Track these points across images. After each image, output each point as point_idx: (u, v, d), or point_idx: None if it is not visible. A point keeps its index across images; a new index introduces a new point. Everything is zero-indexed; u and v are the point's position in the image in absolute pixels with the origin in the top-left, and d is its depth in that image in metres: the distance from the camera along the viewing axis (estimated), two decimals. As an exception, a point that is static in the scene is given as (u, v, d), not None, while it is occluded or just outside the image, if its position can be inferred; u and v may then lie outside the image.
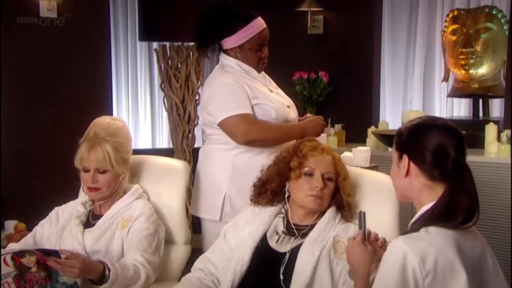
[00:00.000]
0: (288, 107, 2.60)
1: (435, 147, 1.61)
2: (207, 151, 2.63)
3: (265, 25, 2.56)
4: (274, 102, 2.53)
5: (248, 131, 2.44)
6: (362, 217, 1.77)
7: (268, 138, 2.48)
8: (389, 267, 1.52)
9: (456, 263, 1.51)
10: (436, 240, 1.53)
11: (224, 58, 2.59)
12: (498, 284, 1.65)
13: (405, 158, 1.66)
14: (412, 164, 1.65)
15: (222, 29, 2.52)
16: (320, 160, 2.09)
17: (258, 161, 2.41)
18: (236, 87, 2.47)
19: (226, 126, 2.46)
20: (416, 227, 1.57)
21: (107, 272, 2.03)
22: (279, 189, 2.16)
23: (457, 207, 1.56)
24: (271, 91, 2.60)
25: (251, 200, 2.22)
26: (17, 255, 1.98)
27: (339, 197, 2.12)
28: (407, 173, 1.66)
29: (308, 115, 2.73)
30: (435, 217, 1.57)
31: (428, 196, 1.63)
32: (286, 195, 2.15)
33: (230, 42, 2.53)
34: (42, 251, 2.01)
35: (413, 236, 1.54)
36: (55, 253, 1.99)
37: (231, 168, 2.52)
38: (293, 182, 2.11)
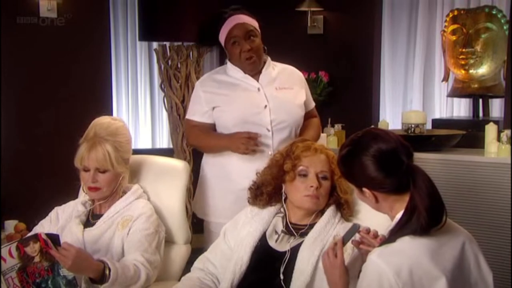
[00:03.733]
0: (266, 107, 2.51)
1: (386, 168, 1.63)
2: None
3: (242, 20, 2.54)
4: (237, 103, 2.51)
5: (187, 135, 2.81)
6: (354, 230, 1.79)
7: (195, 146, 2.74)
8: (367, 283, 1.55)
9: (433, 270, 1.54)
10: (410, 250, 1.56)
11: (227, 63, 2.65)
12: (480, 273, 1.68)
13: (366, 190, 1.69)
14: (376, 193, 1.69)
15: (214, 33, 2.59)
16: (314, 160, 2.09)
17: (250, 163, 2.43)
18: (197, 95, 2.62)
19: None
20: (392, 238, 1.60)
21: (107, 272, 2.02)
22: (276, 192, 2.16)
23: (419, 210, 1.58)
24: (260, 90, 2.55)
25: (248, 202, 2.22)
26: (22, 244, 1.99)
27: (336, 195, 2.11)
28: (376, 200, 1.70)
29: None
30: (404, 226, 1.59)
31: (400, 208, 1.66)
32: (283, 197, 2.14)
33: (222, 42, 2.59)
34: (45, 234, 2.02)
35: (388, 249, 1.57)
36: (56, 237, 2.01)
37: (220, 169, 2.56)
38: (288, 184, 2.10)
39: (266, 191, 2.16)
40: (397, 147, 1.65)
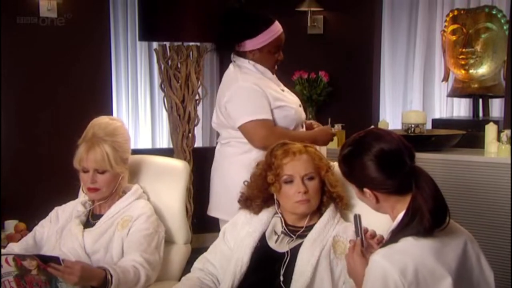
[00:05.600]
0: (300, 106, 2.67)
1: (389, 169, 1.62)
2: (223, 153, 2.66)
3: (282, 29, 2.63)
4: (292, 103, 2.61)
5: (267, 136, 2.47)
6: (357, 221, 1.71)
7: None
8: (372, 284, 1.54)
9: (438, 269, 1.53)
10: (414, 250, 1.55)
11: (239, 60, 2.62)
12: (482, 273, 1.68)
13: (367, 190, 1.68)
14: (377, 193, 1.67)
15: (244, 32, 2.57)
16: (295, 164, 2.05)
17: None
18: (257, 91, 2.51)
19: (245, 130, 2.52)
20: (394, 239, 1.59)
21: (109, 277, 2.01)
22: (266, 200, 2.13)
23: (423, 213, 1.56)
24: (283, 91, 2.66)
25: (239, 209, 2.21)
26: (19, 258, 1.97)
27: (327, 190, 2.09)
28: (377, 201, 1.69)
29: (313, 122, 2.78)
30: (406, 227, 1.58)
31: (401, 209, 1.65)
32: (276, 205, 2.12)
33: (250, 44, 2.57)
34: (42, 258, 1.98)
35: (392, 249, 1.56)
36: (55, 260, 1.97)
37: (246, 171, 2.52)
38: (277, 193, 2.08)
39: (255, 204, 2.14)
40: (399, 148, 1.64)
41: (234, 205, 2.51)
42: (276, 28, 2.59)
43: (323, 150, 2.75)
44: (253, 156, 2.48)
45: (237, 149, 2.58)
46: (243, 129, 2.53)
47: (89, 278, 1.99)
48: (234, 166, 2.57)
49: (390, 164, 1.63)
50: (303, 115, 2.70)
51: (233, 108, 2.55)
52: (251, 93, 2.51)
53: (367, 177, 1.65)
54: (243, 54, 2.60)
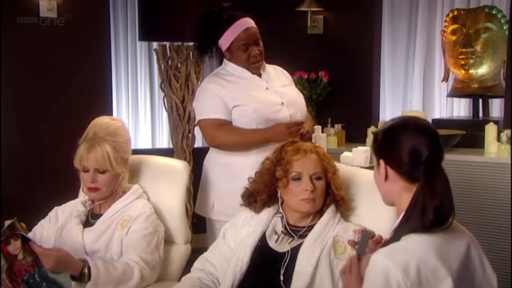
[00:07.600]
0: (282, 104, 2.58)
1: (409, 150, 1.61)
2: (208, 151, 2.71)
3: (250, 24, 2.58)
4: (258, 102, 2.54)
5: (215, 135, 2.56)
6: (366, 237, 1.72)
7: (230, 144, 2.55)
8: (373, 283, 1.52)
9: (440, 269, 1.52)
10: (416, 249, 1.54)
11: (224, 63, 2.67)
12: (484, 275, 1.68)
13: (382, 163, 1.67)
14: (389, 169, 1.66)
15: (213, 35, 2.60)
16: (305, 162, 2.06)
17: (248, 160, 2.44)
18: (214, 93, 2.55)
19: (200, 128, 2.63)
20: (396, 237, 1.58)
21: (85, 270, 2.03)
22: (270, 197, 2.14)
23: (426, 207, 1.56)
24: (268, 89, 2.60)
25: (241, 205, 2.21)
26: (4, 243, 1.99)
27: (331, 192, 2.10)
28: (386, 177, 1.67)
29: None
30: (408, 222, 1.57)
31: (407, 199, 1.63)
32: (280, 202, 2.13)
33: (222, 46, 2.61)
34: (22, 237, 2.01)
35: (393, 248, 1.55)
36: (31, 241, 2.02)
37: (222, 167, 2.57)
38: (283, 190, 2.09)
39: (260, 198, 2.14)
40: (433, 141, 1.64)
41: (209, 201, 2.60)
42: (240, 24, 2.56)
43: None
44: (223, 155, 2.56)
45: (212, 148, 2.65)
46: (199, 127, 2.64)
47: (65, 266, 2.02)
48: (209, 164, 2.65)
49: (420, 144, 1.61)
50: (282, 114, 2.56)
51: (194, 108, 2.68)
52: (207, 94, 2.58)
53: (390, 149, 1.64)
54: (224, 56, 2.65)
